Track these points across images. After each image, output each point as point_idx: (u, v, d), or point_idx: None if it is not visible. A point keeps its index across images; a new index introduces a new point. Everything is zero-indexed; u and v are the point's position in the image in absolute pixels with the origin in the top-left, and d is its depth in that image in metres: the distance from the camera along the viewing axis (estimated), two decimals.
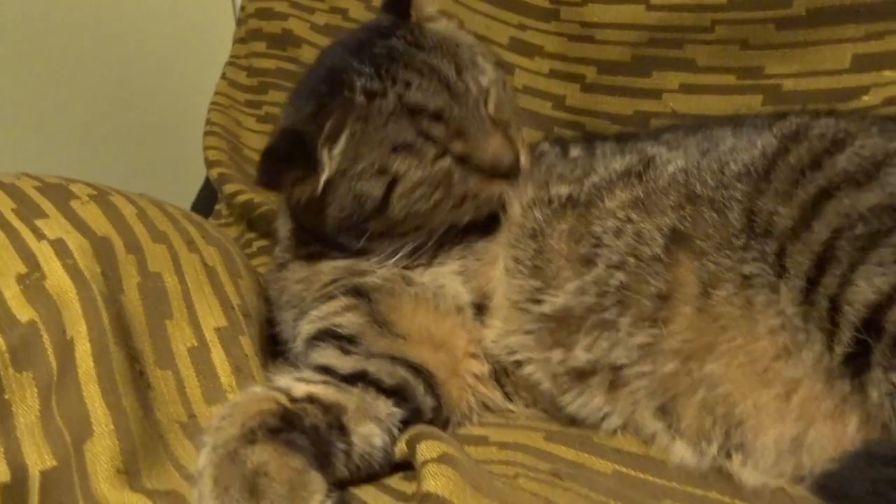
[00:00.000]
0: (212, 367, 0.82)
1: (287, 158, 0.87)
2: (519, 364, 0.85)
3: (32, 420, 0.67)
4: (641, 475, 0.73)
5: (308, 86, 0.95)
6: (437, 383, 0.83)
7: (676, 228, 0.79)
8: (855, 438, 0.67)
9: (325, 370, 0.78)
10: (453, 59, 0.89)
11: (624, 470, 0.73)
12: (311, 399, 0.72)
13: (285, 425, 0.66)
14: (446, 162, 0.87)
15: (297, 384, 0.74)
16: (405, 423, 0.76)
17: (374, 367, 0.79)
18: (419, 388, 0.81)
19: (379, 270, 0.91)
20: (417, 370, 0.82)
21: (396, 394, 0.78)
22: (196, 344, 0.83)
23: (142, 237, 0.88)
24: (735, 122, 0.90)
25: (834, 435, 0.68)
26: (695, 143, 0.87)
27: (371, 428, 0.73)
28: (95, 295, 0.75)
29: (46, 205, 0.85)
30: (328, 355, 0.82)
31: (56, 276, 0.75)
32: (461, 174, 0.88)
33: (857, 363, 0.65)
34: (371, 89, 0.87)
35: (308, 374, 0.78)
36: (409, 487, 0.70)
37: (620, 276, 0.79)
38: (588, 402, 0.80)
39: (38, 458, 0.66)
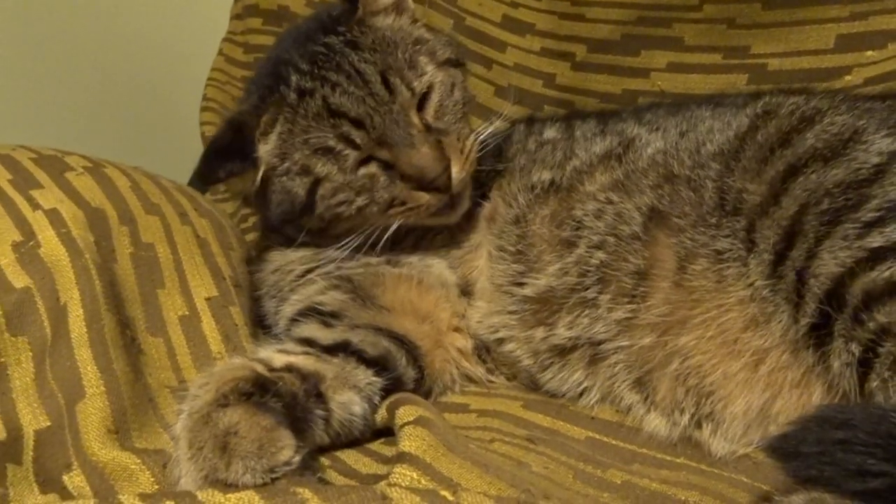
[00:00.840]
0: (202, 335, 0.85)
1: (226, 151, 0.87)
2: (500, 342, 0.88)
3: (27, 382, 0.70)
4: (613, 441, 0.76)
5: (257, 77, 0.96)
6: (420, 354, 0.85)
7: (655, 207, 0.81)
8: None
9: (308, 342, 0.80)
10: (384, 62, 0.87)
11: (597, 436, 0.76)
12: (289, 368, 0.73)
13: (258, 390, 0.67)
14: (371, 168, 0.86)
15: (277, 355, 0.76)
16: (386, 392, 0.78)
17: (357, 338, 0.81)
18: (401, 359, 0.83)
19: (356, 260, 0.91)
20: (401, 341, 0.84)
21: (378, 363, 0.80)
22: (187, 313, 0.85)
23: (135, 208, 0.90)
24: (716, 102, 0.91)
25: (800, 404, 0.71)
26: (674, 125, 0.89)
27: (350, 396, 0.75)
28: (88, 263, 0.78)
29: (42, 175, 0.87)
30: (311, 329, 0.84)
31: (50, 245, 0.78)
32: (387, 180, 0.86)
33: (820, 334, 0.67)
34: (303, 87, 0.86)
35: (290, 346, 0.80)
36: (389, 451, 0.73)
37: (601, 255, 0.81)
38: (568, 377, 0.83)
39: (32, 419, 0.69)
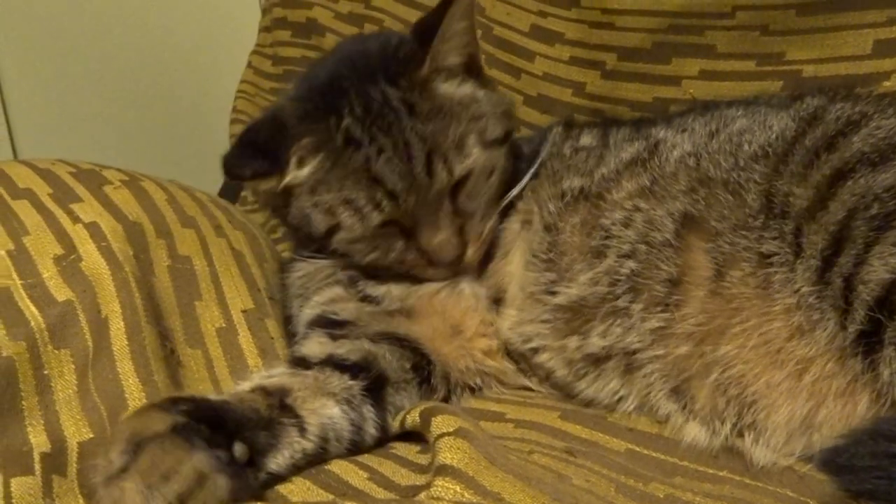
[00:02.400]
0: (238, 348, 0.85)
1: (260, 145, 0.88)
2: (534, 351, 0.87)
3: (70, 394, 0.71)
4: (654, 453, 0.74)
5: (311, 82, 0.95)
6: (420, 345, 0.86)
7: (688, 212, 0.79)
8: (865, 417, 0.68)
9: (299, 362, 0.81)
10: (433, 141, 0.85)
11: (636, 448, 0.75)
12: (253, 390, 0.74)
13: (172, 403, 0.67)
14: (391, 231, 0.87)
15: (249, 382, 0.76)
16: (370, 392, 0.79)
17: (342, 349, 0.82)
18: (384, 355, 0.83)
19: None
20: (398, 340, 0.85)
21: (355, 367, 0.80)
22: (224, 325, 0.86)
23: (171, 222, 0.91)
24: (746, 101, 0.90)
25: (844, 413, 0.69)
26: (702, 125, 0.87)
27: (323, 401, 0.75)
28: (128, 276, 0.79)
29: (81, 189, 0.89)
30: (311, 345, 0.84)
31: (91, 258, 0.79)
32: (403, 245, 0.88)
33: (869, 342, 0.66)
34: (351, 135, 0.85)
35: (275, 370, 0.80)
36: (425, 459, 0.72)
37: (631, 264, 0.80)
38: (603, 386, 0.82)
39: (75, 430, 0.69)
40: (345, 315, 0.88)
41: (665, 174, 0.84)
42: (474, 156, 0.87)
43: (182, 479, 0.60)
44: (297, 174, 0.88)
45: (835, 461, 0.55)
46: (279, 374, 0.78)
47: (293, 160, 0.87)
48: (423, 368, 0.86)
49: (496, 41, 1.33)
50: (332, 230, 0.88)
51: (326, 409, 0.75)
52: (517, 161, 0.96)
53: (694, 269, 0.77)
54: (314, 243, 0.92)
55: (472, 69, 0.93)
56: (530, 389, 0.91)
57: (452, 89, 0.90)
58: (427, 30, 0.88)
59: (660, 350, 0.77)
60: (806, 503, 0.66)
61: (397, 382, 0.82)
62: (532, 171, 0.95)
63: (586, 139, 0.96)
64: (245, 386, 0.75)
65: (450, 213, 0.88)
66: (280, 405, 0.73)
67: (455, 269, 0.90)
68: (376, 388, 0.80)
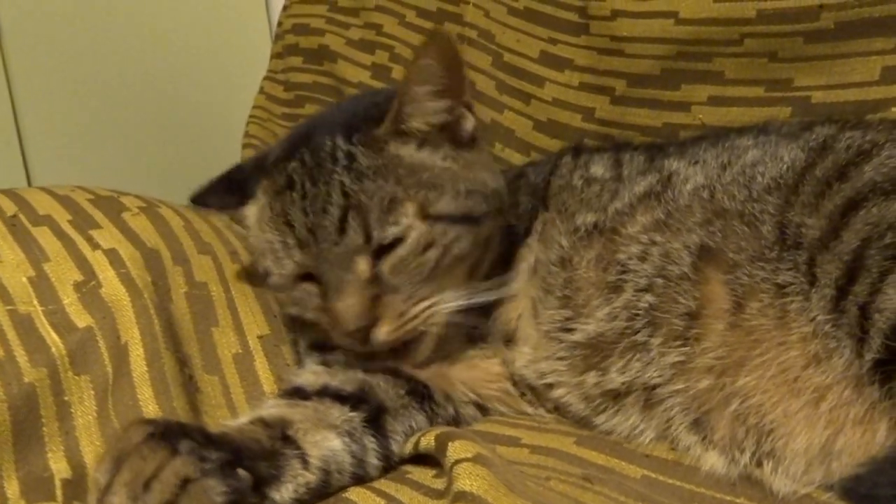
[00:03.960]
0: (255, 374, 0.86)
1: (237, 182, 0.91)
2: (549, 387, 0.87)
3: (90, 420, 0.72)
4: (670, 480, 0.74)
5: (297, 128, 0.97)
6: (414, 376, 0.86)
7: (705, 245, 0.79)
8: (884, 444, 0.67)
9: (293, 392, 0.81)
10: (358, 198, 0.80)
11: (653, 475, 0.75)
12: (253, 422, 0.74)
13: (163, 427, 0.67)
14: (308, 287, 0.84)
15: (247, 415, 0.77)
16: (370, 423, 0.79)
17: (337, 381, 0.82)
18: (378, 384, 0.83)
19: None
20: (389, 371, 0.85)
21: (353, 398, 0.80)
22: (240, 351, 0.87)
23: (188, 248, 0.92)
24: (757, 130, 0.90)
25: (863, 441, 0.69)
26: (714, 157, 0.87)
27: (325, 434, 0.75)
28: (147, 303, 0.80)
29: (99, 216, 0.90)
30: (305, 374, 0.85)
31: (111, 285, 0.80)
32: (318, 304, 0.84)
33: (886, 370, 0.66)
34: (290, 177, 0.84)
35: (270, 402, 0.80)
36: (441, 483, 0.72)
37: (649, 298, 0.80)
38: (623, 421, 0.81)
39: (95, 457, 0.70)
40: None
41: (679, 207, 0.83)
42: (404, 224, 0.81)
43: (163, 486, 0.60)
44: (249, 212, 0.90)
45: (856, 490, 0.55)
46: (276, 406, 0.78)
47: (248, 204, 0.90)
48: (419, 392, 0.85)
49: (506, 67, 1.34)
50: (265, 273, 0.88)
51: (328, 442, 0.75)
52: (518, 193, 0.96)
53: (712, 302, 0.77)
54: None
55: (453, 138, 0.88)
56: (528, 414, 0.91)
57: (407, 152, 0.85)
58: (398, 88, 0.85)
59: (680, 384, 0.77)
60: None
61: (395, 409, 0.82)
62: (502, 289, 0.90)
63: (597, 168, 0.95)
64: (243, 419, 0.75)
65: (364, 279, 0.81)
66: (282, 437, 0.73)
67: (366, 345, 0.82)
68: (375, 418, 0.80)
